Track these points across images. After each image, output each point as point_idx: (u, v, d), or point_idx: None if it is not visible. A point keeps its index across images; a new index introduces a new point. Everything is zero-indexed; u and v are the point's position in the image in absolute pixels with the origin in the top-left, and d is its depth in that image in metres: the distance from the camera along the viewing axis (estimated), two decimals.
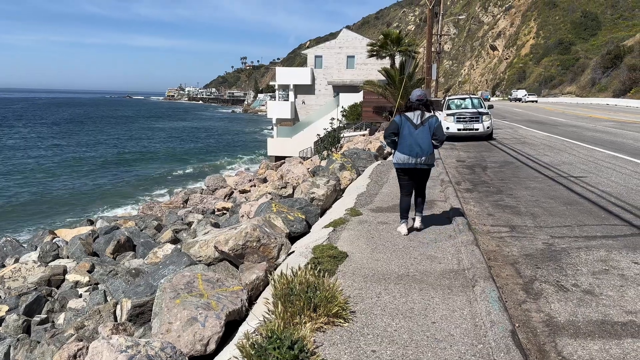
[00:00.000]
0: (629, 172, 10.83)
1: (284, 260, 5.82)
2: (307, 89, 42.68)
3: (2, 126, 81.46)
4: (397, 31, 37.56)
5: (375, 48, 34.36)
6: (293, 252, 6.06)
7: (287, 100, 43.39)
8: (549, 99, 78.20)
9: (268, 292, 4.52)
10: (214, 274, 5.15)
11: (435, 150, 6.31)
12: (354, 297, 4.34)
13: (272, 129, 46.63)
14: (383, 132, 24.92)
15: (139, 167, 43.75)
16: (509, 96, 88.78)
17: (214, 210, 17.32)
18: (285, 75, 43.28)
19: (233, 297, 4.69)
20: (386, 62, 34.62)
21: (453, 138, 17.86)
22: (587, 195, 8.57)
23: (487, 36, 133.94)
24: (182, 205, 20.67)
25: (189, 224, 15.06)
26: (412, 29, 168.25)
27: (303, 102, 42.90)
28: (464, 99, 20.18)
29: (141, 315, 5.89)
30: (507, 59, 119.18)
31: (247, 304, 4.76)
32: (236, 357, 3.29)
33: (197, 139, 71.47)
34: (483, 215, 7.50)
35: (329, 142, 22.89)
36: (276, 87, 45.27)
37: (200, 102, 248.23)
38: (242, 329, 4.24)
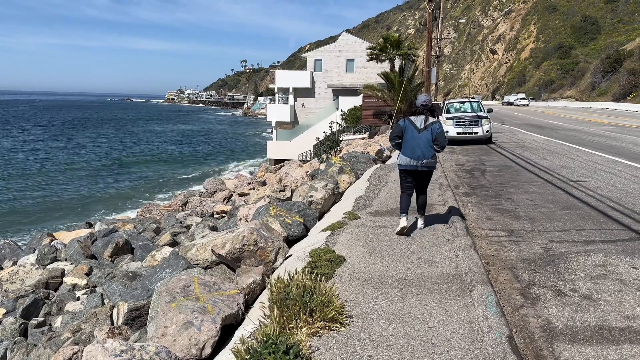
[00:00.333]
0: (629, 176, 10.82)
1: (281, 264, 5.80)
2: (306, 92, 42.72)
3: (2, 129, 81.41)
4: (397, 35, 37.63)
5: (375, 52, 34.41)
6: (290, 255, 6.04)
7: (287, 103, 43.42)
8: (548, 102, 78.29)
9: (264, 296, 4.50)
10: (211, 278, 5.12)
11: (436, 164, 6.57)
12: (351, 301, 4.32)
13: (271, 132, 46.62)
14: (382, 135, 24.93)
15: (138, 170, 43.73)
16: (502, 100, 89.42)
17: (212, 213, 17.30)
18: (285, 79, 43.31)
19: (229, 301, 4.66)
20: (386, 66, 34.68)
21: (452, 142, 17.85)
22: (586, 200, 8.55)
23: (487, 40, 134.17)
24: (181, 208, 20.64)
25: (188, 227, 15.03)
26: (412, 32, 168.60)
27: (303, 105, 42.92)
28: (463, 102, 20.19)
29: (137, 319, 5.86)
30: (507, 62, 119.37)
31: (243, 308, 4.74)
32: None
33: (196, 142, 71.48)
34: (481, 219, 7.48)
35: (328, 145, 22.89)
36: (276, 90, 45.29)
37: (201, 105, 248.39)
38: (238, 333, 4.22)
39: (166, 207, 21.43)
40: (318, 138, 30.26)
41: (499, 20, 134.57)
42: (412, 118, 6.35)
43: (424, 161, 6.22)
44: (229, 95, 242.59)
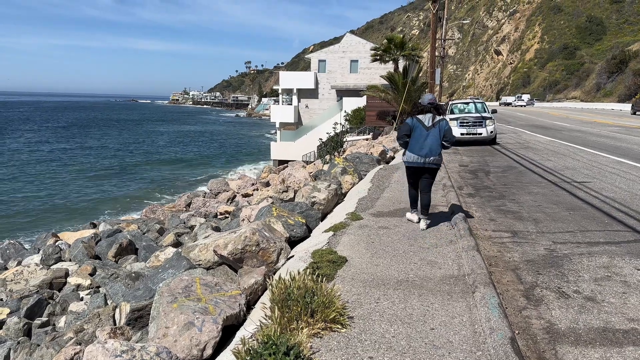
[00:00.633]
0: (634, 177, 10.76)
1: (283, 264, 5.79)
2: (310, 93, 42.73)
3: (8, 130, 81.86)
4: (401, 36, 37.59)
5: (378, 52, 34.40)
6: (292, 256, 6.03)
7: (291, 104, 43.45)
8: (553, 103, 78.03)
9: (266, 297, 4.49)
10: (213, 278, 5.12)
11: (442, 161, 6.80)
12: (353, 302, 4.31)
13: (275, 133, 46.66)
14: (386, 136, 24.89)
15: (142, 171, 43.84)
16: (499, 101, 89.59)
17: (216, 214, 17.32)
18: (289, 80, 43.34)
19: (231, 302, 4.66)
20: (390, 67, 34.66)
21: (456, 143, 17.77)
22: (591, 201, 8.50)
23: (491, 41, 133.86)
24: (184, 209, 20.68)
25: (191, 227, 15.06)
26: (416, 33, 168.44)
27: (306, 106, 42.93)
28: (467, 103, 20.13)
29: (140, 319, 5.86)
30: (511, 63, 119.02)
31: (245, 308, 4.73)
32: None
33: (200, 143, 71.61)
34: (485, 220, 7.45)
35: (331, 146, 22.87)
36: (280, 91, 45.32)
37: (205, 106, 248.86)
38: (240, 334, 4.21)
39: (170, 208, 21.46)
40: (322, 139, 30.25)
41: (503, 21, 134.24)
42: (419, 117, 6.55)
43: (432, 158, 6.46)
44: (233, 97, 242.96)
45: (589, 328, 3.91)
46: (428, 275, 4.98)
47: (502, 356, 3.31)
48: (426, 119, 6.49)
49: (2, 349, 7.88)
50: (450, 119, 18.05)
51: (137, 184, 37.41)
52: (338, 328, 3.77)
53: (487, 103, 21.23)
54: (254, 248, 5.74)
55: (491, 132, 17.89)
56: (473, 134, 17.86)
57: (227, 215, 16.06)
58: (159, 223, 17.03)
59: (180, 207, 21.25)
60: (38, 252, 13.86)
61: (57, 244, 13.97)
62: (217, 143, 72.29)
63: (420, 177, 6.68)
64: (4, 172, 40.52)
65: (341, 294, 4.30)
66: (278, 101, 48.23)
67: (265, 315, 3.87)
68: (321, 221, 8.32)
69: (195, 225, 14.69)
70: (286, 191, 10.92)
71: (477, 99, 23.80)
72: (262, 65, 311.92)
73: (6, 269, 13.12)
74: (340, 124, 31.71)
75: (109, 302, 8.41)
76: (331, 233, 6.49)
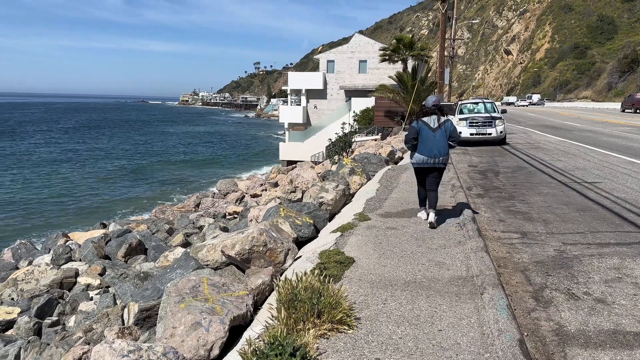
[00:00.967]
0: None
1: (290, 265, 5.79)
2: (319, 94, 42.73)
3: (20, 131, 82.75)
4: (410, 36, 37.49)
5: (387, 52, 34.33)
6: (300, 257, 6.02)
7: (300, 104, 43.48)
8: (564, 103, 77.40)
9: (273, 298, 4.49)
10: (220, 279, 5.13)
11: (449, 160, 7.12)
12: (360, 303, 4.29)
13: (284, 133, 46.71)
14: (395, 136, 24.82)
15: (152, 172, 44.09)
16: (501, 101, 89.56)
17: (225, 214, 17.37)
18: (298, 80, 43.37)
19: (238, 302, 4.66)
20: (399, 67, 34.57)
21: (465, 143, 17.71)
22: (602, 202, 8.41)
23: (501, 40, 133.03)
24: (193, 209, 20.76)
25: (200, 227, 15.11)
26: (426, 33, 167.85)
27: (315, 107, 42.94)
28: (476, 103, 20.00)
29: (148, 319, 5.89)
30: (521, 63, 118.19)
31: (252, 309, 4.73)
32: None
33: (210, 144, 71.89)
34: (494, 221, 7.40)
35: (340, 146, 22.84)
36: (288, 91, 45.38)
37: (215, 107, 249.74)
38: (247, 334, 4.21)
39: (179, 208, 21.56)
40: (330, 139, 30.24)
41: (513, 20, 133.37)
42: (424, 119, 6.77)
43: (441, 158, 6.69)
44: (242, 97, 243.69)
45: (599, 330, 3.87)
46: (436, 276, 4.95)
47: (511, 358, 3.28)
48: (432, 120, 6.71)
49: (13, 348, 7.95)
50: (460, 119, 17.96)
51: (146, 185, 37.63)
52: (345, 329, 3.75)
53: (496, 103, 21.07)
54: (261, 248, 5.74)
55: (501, 132, 17.77)
56: (482, 134, 17.74)
57: (235, 216, 16.10)
58: (169, 223, 17.11)
59: (190, 207, 21.34)
60: (49, 252, 13.99)
61: (67, 244, 14.08)
62: (227, 143, 72.57)
63: (429, 177, 6.89)
64: (15, 172, 40.97)
65: (348, 295, 4.29)
66: (287, 102, 48.29)
67: (272, 316, 3.87)
68: (329, 222, 8.31)
69: (204, 226, 14.74)
70: (294, 191, 10.92)
71: (486, 98, 23.64)
72: (271, 66, 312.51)
73: (17, 268, 13.26)
74: (349, 124, 31.68)
75: (117, 302, 8.46)
76: (339, 234, 6.48)
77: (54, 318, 9.26)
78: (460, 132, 17.08)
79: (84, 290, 10.40)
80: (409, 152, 7.46)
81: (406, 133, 7.03)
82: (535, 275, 5.09)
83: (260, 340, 3.47)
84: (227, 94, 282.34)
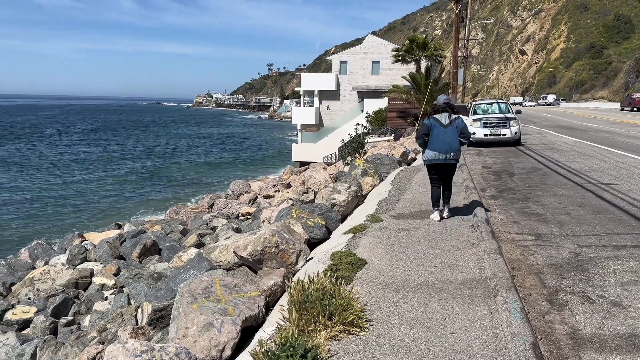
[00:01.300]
0: None
1: (302, 266, 5.79)
2: (331, 95, 42.72)
3: (37, 133, 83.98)
4: (423, 36, 37.31)
5: (400, 53, 34.19)
6: (312, 258, 6.02)
7: (312, 106, 43.51)
8: (579, 103, 76.46)
9: (285, 299, 4.49)
10: (233, 279, 5.15)
11: (460, 156, 7.19)
12: (371, 305, 4.28)
13: (297, 134, 46.78)
14: (407, 137, 24.72)
15: (167, 173, 44.46)
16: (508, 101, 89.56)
17: (238, 215, 17.44)
18: (310, 81, 43.40)
19: (250, 303, 4.68)
20: (412, 67, 34.42)
21: (479, 144, 17.57)
22: (618, 203, 8.29)
23: (515, 40, 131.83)
24: (207, 210, 20.88)
25: (214, 228, 15.20)
26: (439, 33, 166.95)
27: (328, 108, 42.93)
28: (490, 103, 19.83)
29: (161, 319, 5.93)
30: (536, 63, 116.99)
31: (264, 310, 4.74)
32: None
33: (223, 145, 72.29)
34: (508, 222, 7.33)
35: (352, 147, 22.82)
36: (301, 93, 45.43)
37: (228, 108, 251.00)
38: (258, 335, 4.23)
39: (193, 209, 21.71)
40: (343, 140, 30.21)
41: (528, 20, 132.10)
42: (436, 116, 6.98)
43: (452, 154, 6.86)
44: (255, 99, 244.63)
45: (614, 334, 3.81)
46: (449, 278, 4.92)
47: None
48: (443, 117, 6.92)
49: (29, 347, 8.07)
50: (474, 120, 17.81)
51: (161, 186, 37.95)
52: (356, 331, 3.74)
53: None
54: (273, 249, 5.76)
55: (515, 132, 17.59)
56: (497, 134, 17.58)
57: (248, 217, 16.16)
58: (182, 224, 17.24)
59: (203, 208, 21.47)
60: (64, 252, 14.17)
61: (82, 244, 14.26)
62: (240, 145, 72.91)
63: (442, 173, 7.09)
64: (32, 174, 41.59)
65: (360, 297, 4.28)
66: (299, 103, 48.34)
67: (284, 317, 3.87)
68: (341, 223, 8.30)
69: (218, 227, 14.83)
70: (306, 193, 10.93)
71: (500, 99, 23.41)
72: (284, 68, 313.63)
73: (34, 268, 13.45)
74: (362, 125, 31.62)
75: (131, 302, 8.54)
76: (351, 235, 6.47)
77: (69, 317, 9.38)
78: (474, 133, 16.96)
79: (99, 290, 10.53)
80: (421, 152, 7.52)
81: (418, 129, 7.14)
82: (549, 277, 5.04)
83: (272, 342, 3.47)
84: (240, 96, 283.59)
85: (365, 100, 39.10)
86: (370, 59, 42.18)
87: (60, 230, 24.27)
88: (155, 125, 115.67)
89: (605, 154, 14.89)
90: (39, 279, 11.23)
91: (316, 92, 42.72)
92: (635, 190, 9.32)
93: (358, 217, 7.92)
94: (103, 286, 10.69)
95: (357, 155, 21.64)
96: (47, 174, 41.84)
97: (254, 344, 3.98)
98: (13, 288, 11.77)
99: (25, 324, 9.44)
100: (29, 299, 10.85)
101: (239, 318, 4.31)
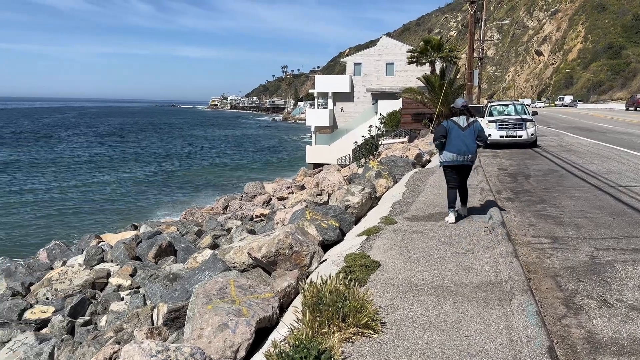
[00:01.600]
0: None
1: (316, 268, 5.80)
2: (345, 97, 42.71)
3: (55, 135, 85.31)
4: (438, 37, 37.10)
5: (415, 54, 34.03)
6: (325, 260, 6.03)
7: (326, 108, 43.54)
8: (597, 105, 75.42)
9: (299, 301, 4.51)
10: (247, 280, 5.18)
11: (476, 159, 7.39)
12: (385, 307, 4.27)
13: (310, 136, 46.85)
14: (422, 139, 24.61)
15: (182, 174, 44.87)
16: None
17: (252, 216, 17.51)
18: (324, 83, 43.45)
19: (264, 304, 4.70)
20: (426, 69, 34.24)
21: (495, 145, 17.42)
22: (636, 206, 8.16)
23: (532, 41, 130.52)
24: (222, 212, 21.00)
25: (228, 230, 15.27)
26: (454, 34, 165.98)
27: (342, 110, 42.93)
28: (506, 105, 19.66)
29: (177, 320, 5.99)
30: (553, 64, 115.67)
31: (278, 311, 4.76)
32: None
33: (238, 147, 72.71)
34: (524, 225, 7.26)
35: (366, 149, 22.77)
36: (315, 95, 45.52)
37: (243, 110, 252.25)
38: (272, 336, 4.24)
39: (208, 211, 21.84)
40: (357, 142, 30.16)
41: (544, 20, 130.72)
42: (454, 119, 7.12)
43: (469, 156, 7.03)
44: (269, 101, 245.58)
45: (632, 338, 3.75)
46: (463, 281, 4.89)
47: None
48: (461, 120, 7.07)
49: (47, 346, 8.19)
50: (489, 121, 17.67)
51: (176, 187, 38.30)
52: (370, 333, 3.74)
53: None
54: (287, 251, 5.78)
55: (532, 134, 17.41)
56: (513, 136, 17.42)
57: (262, 218, 16.22)
58: (197, 225, 17.36)
59: (218, 209, 21.59)
60: (82, 253, 14.36)
61: (99, 245, 14.43)
62: (254, 147, 73.26)
63: (458, 175, 7.22)
64: (50, 175, 42.27)
65: (374, 299, 4.27)
66: (314, 105, 48.42)
67: (297, 319, 3.88)
68: (355, 225, 8.30)
69: (232, 228, 14.90)
70: (320, 194, 10.94)
71: (516, 100, 23.21)
72: (299, 70, 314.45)
73: (52, 268, 13.65)
74: (376, 127, 31.55)
75: (147, 302, 8.63)
76: (364, 237, 6.46)
77: (86, 317, 9.50)
78: (489, 135, 16.82)
79: (115, 290, 10.64)
80: (437, 154, 7.58)
81: (436, 130, 7.36)
82: (566, 281, 4.98)
83: (286, 343, 3.49)
84: (255, 98, 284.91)
85: (380, 101, 39.03)
86: (385, 61, 42.10)
87: (77, 231, 24.62)
88: (171, 128, 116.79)
89: (624, 156, 14.67)
90: (57, 279, 11.39)
91: (330, 94, 42.76)
92: None
93: (372, 219, 7.91)
94: (119, 287, 10.81)
95: (371, 157, 21.60)
96: (64, 175, 42.48)
97: (267, 345, 4.00)
98: (32, 288, 11.95)
99: (43, 323, 9.59)
100: (47, 298, 11.01)
101: (253, 319, 4.34)
